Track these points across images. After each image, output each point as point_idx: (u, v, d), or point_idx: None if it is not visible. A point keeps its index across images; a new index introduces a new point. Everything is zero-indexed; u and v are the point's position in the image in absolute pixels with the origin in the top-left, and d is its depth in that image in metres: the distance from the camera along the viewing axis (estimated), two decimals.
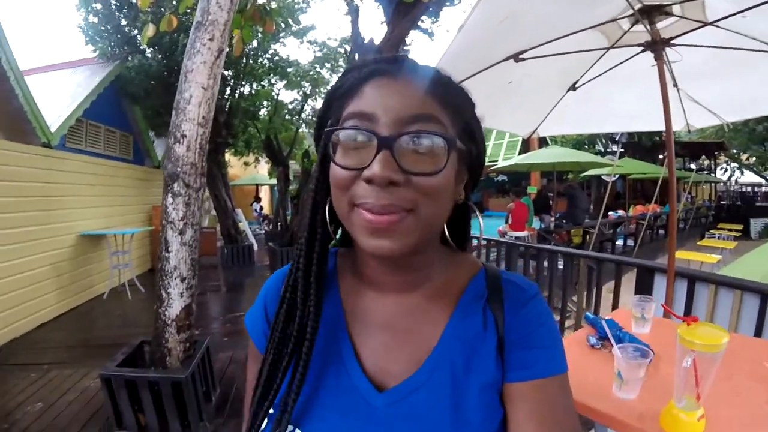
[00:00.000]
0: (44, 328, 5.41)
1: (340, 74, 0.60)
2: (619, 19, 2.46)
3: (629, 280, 3.59)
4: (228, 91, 8.64)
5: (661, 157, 15.91)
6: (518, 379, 0.57)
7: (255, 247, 10.51)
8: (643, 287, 3.22)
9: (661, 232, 11.57)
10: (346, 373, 0.59)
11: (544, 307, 0.62)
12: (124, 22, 7.68)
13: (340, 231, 0.65)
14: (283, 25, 8.60)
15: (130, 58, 7.75)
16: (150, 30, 3.82)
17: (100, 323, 5.78)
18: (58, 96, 6.96)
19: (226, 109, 8.66)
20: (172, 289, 2.96)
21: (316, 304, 0.60)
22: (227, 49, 3.21)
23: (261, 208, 16.53)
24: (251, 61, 8.61)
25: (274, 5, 7.16)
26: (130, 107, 8.63)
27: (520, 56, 2.59)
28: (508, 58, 2.60)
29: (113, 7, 7.55)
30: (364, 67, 0.55)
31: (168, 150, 2.98)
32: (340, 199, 0.54)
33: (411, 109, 0.51)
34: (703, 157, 19.17)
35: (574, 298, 4.20)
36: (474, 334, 0.59)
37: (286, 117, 10.77)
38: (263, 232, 11.86)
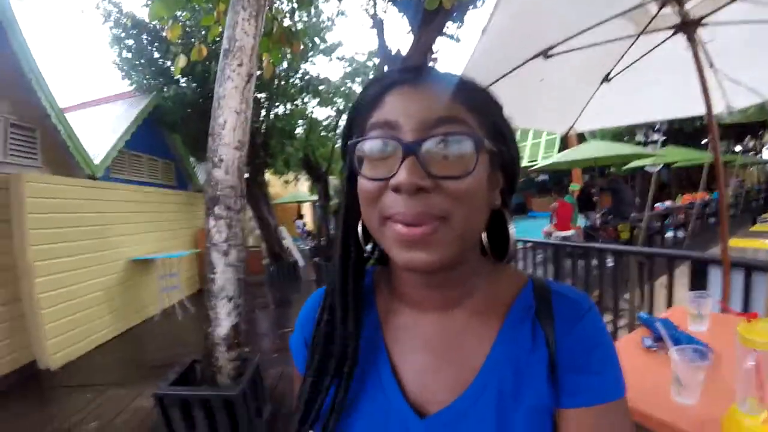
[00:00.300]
0: (98, 351, 5.64)
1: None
2: (647, 3, 2.38)
3: (683, 273, 3.44)
4: (263, 112, 8.81)
5: (704, 142, 15.27)
6: (573, 405, 0.53)
7: (301, 263, 10.64)
8: (698, 281, 3.08)
9: (712, 220, 11.08)
10: (385, 396, 0.57)
11: (599, 323, 0.57)
12: (156, 55, 7.98)
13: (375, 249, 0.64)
14: (310, 45, 8.72)
15: (165, 89, 8.06)
16: (181, 61, 3.96)
17: (152, 344, 5.99)
18: (101, 130, 7.37)
19: (263, 131, 8.83)
20: (220, 309, 3.04)
21: (356, 324, 0.58)
22: (258, 73, 3.28)
23: (304, 224, 16.75)
24: (283, 82, 8.76)
25: (300, 26, 7.30)
26: (170, 135, 9.00)
27: (549, 52, 2.54)
28: (536, 56, 2.55)
29: (144, 41, 7.85)
30: (384, 78, 0.54)
31: (207, 175, 3.08)
32: (370, 213, 0.53)
33: (434, 113, 0.49)
34: (748, 137, 18.31)
35: (627, 297, 4.06)
36: (523, 353, 0.55)
37: (322, 134, 10.91)
38: (308, 247, 12.03)
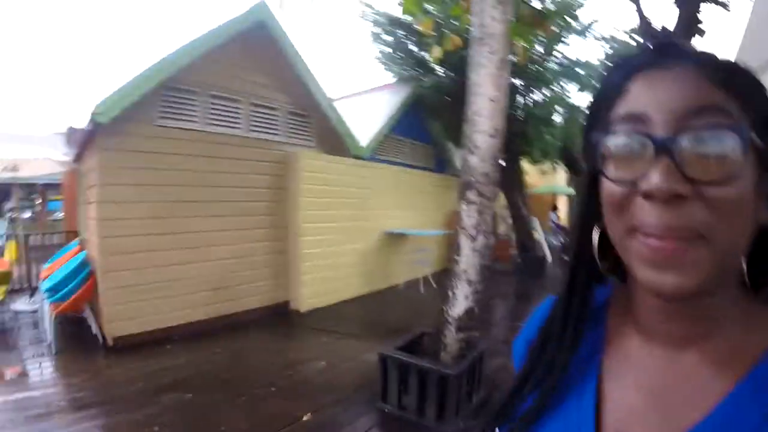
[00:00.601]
0: (344, 305, 6.61)
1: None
2: None
3: None
4: (519, 99, 8.70)
5: None
6: None
7: (549, 258, 10.26)
8: None
9: None
10: (576, 423, 0.51)
11: None
12: (413, 47, 8.61)
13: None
14: (563, 25, 8.24)
15: (423, 79, 8.70)
16: (436, 51, 4.18)
17: (392, 309, 6.69)
18: (369, 116, 8.45)
19: (519, 118, 8.72)
20: (459, 290, 3.20)
21: (571, 340, 0.54)
22: (510, 58, 3.28)
23: (558, 218, 15.83)
24: (538, 67, 8.48)
25: (551, 7, 6.96)
26: (429, 121, 9.69)
27: None
28: None
29: (401, 36, 8.63)
30: (627, 62, 0.47)
31: (462, 160, 3.24)
32: (614, 221, 0.46)
33: (690, 101, 0.41)
34: None
35: None
36: (755, 425, 0.41)
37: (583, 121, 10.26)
38: (559, 243, 11.33)
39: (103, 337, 4.64)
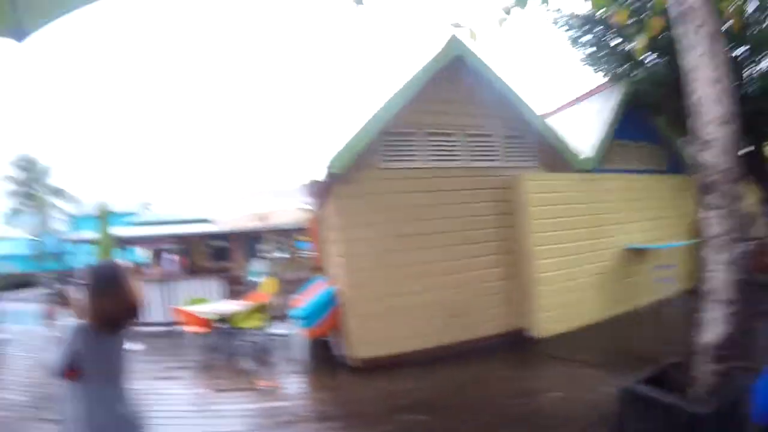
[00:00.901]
0: (583, 331, 6.07)
1: None
2: None
3: None
4: (746, 72, 7.27)
5: None
6: None
7: None
8: None
9: None
10: None
11: None
12: (616, 41, 7.84)
13: None
14: None
15: (635, 73, 7.82)
16: (640, 41, 3.80)
17: (637, 335, 5.92)
18: (587, 125, 7.99)
19: (752, 94, 7.20)
20: (710, 312, 2.71)
21: None
22: (723, 27, 2.82)
23: None
24: (760, 27, 6.98)
25: None
26: (651, 118, 8.64)
27: None
28: None
29: (600, 33, 7.87)
30: None
31: (694, 159, 2.83)
32: None
33: None
34: None
35: None
36: None
37: None
38: None
39: (347, 359, 5.24)
